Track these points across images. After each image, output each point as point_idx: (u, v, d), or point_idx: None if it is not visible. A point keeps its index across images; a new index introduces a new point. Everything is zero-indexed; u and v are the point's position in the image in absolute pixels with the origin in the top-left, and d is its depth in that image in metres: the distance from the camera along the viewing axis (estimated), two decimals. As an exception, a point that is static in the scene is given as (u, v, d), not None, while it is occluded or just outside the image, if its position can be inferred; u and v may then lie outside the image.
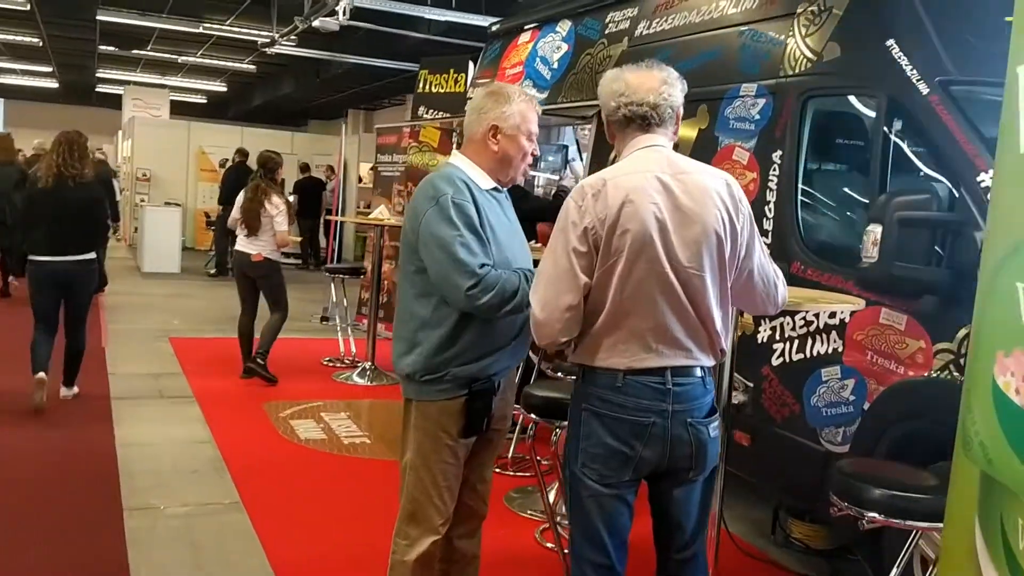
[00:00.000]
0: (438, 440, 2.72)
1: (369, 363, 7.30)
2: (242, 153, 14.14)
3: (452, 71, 8.35)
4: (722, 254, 2.36)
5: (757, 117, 4.33)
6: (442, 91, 8.43)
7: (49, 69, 20.74)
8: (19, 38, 16.69)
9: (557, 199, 5.32)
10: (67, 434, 5.38)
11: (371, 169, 17.34)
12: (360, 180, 17.02)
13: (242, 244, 6.92)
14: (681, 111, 2.48)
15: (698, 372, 2.41)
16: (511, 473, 5.05)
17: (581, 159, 5.92)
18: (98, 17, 13.42)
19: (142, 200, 16.57)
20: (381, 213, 7.48)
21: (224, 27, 14.23)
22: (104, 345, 7.98)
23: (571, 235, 2.32)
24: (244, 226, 6.85)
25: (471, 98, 2.94)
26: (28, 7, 12.88)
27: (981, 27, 3.80)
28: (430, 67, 8.70)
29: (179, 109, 22.82)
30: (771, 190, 4.17)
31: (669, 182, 2.33)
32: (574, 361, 2.47)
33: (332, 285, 8.42)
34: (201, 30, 13.90)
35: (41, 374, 5.69)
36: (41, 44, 17.11)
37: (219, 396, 6.52)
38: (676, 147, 2.51)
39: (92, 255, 5.86)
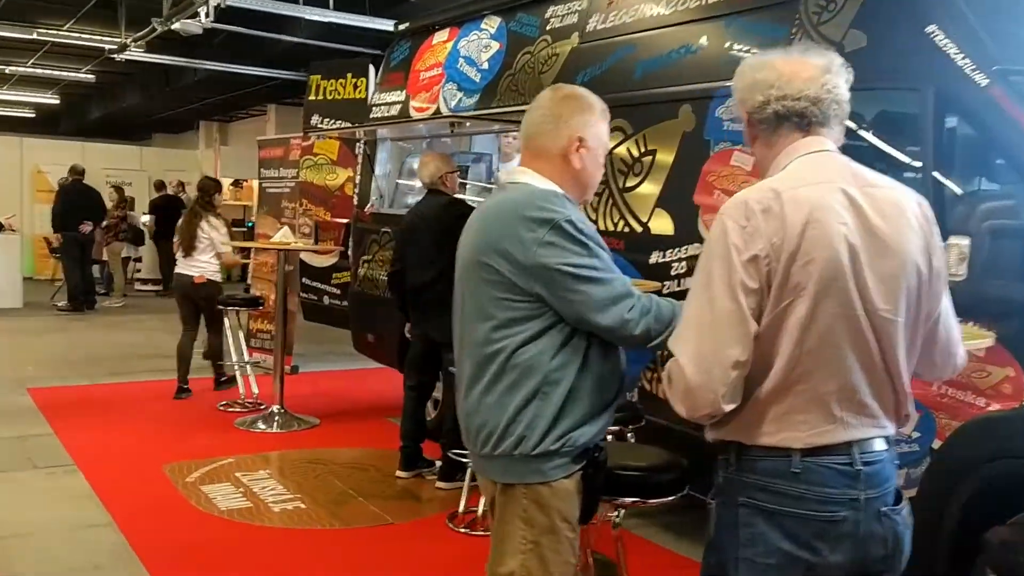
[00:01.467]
0: (557, 534, 2.11)
1: (278, 406, 6.39)
2: (76, 171, 12.73)
3: (350, 76, 7.54)
4: (920, 293, 1.80)
5: (760, 117, 3.83)
6: (339, 98, 7.60)
7: None
8: None
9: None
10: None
11: (233, 185, 16.22)
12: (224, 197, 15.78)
13: (182, 267, 7.06)
14: (848, 108, 1.91)
15: (882, 444, 1.85)
16: (481, 533, 4.33)
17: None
18: (-88, 23, 11.83)
19: (-29, 227, 14.75)
20: (285, 236, 6.62)
21: (62, 32, 12.83)
22: (-50, 403, 6.75)
23: (736, 265, 1.71)
24: (180, 248, 7.02)
25: (536, 106, 2.26)
26: None
27: (1018, 14, 3.46)
28: (323, 72, 7.85)
29: (4, 125, 20.76)
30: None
31: (857, 197, 1.76)
32: (719, 438, 1.85)
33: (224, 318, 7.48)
34: (35, 36, 12.45)
35: None
36: None
37: (105, 460, 5.49)
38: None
39: None
